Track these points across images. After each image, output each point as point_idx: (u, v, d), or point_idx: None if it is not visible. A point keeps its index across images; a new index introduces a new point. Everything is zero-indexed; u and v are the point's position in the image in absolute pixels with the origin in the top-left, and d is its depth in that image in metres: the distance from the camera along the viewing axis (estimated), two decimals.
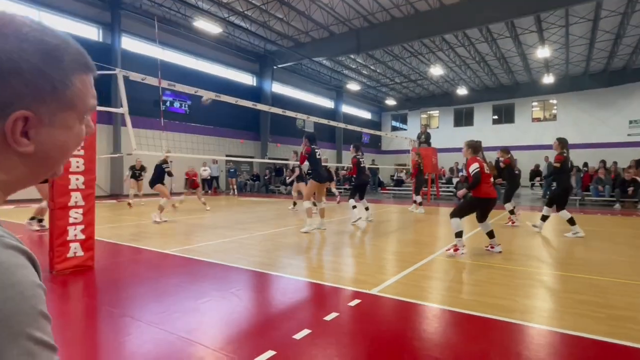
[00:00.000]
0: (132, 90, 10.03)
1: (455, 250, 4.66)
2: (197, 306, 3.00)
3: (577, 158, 18.13)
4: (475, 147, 5.02)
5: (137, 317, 2.80)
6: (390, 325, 2.77)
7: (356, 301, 3.10)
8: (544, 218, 6.68)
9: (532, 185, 18.60)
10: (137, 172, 11.99)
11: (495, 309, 2.92)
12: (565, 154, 6.44)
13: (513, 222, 7.75)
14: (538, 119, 27.06)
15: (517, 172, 9.27)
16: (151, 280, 3.80)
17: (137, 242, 5.63)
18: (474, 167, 4.79)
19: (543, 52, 17.85)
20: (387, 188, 20.81)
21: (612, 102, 23.86)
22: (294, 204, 11.05)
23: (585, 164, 17.29)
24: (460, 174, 17.49)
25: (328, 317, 2.73)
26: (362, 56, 21.02)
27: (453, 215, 4.77)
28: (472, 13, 14.82)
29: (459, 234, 4.69)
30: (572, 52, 20.34)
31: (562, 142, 6.51)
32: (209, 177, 18.58)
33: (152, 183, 8.44)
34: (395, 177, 21.40)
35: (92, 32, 15.76)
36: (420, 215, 9.77)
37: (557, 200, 6.49)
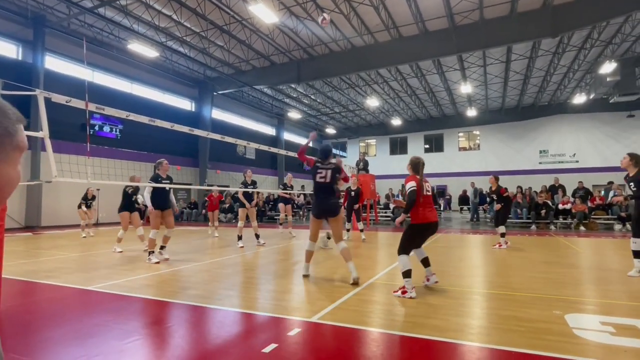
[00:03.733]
0: (56, 113, 9.31)
1: (403, 292, 4.06)
2: (123, 347, 2.73)
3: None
4: (414, 164, 4.43)
5: None
6: (330, 352, 2.73)
7: (296, 330, 3.03)
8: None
9: (462, 209, 19.94)
10: (89, 202, 11.62)
11: (430, 329, 3.02)
12: None
13: (502, 244, 8.03)
14: (464, 148, 29.45)
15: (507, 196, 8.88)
16: (69, 321, 3.41)
17: (55, 278, 5.06)
18: (409, 185, 4.27)
19: (466, 88, 19.69)
20: None
21: (525, 135, 26.80)
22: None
23: (506, 189, 18.95)
24: (395, 199, 18.26)
25: (267, 349, 2.63)
26: (303, 86, 21.59)
27: (399, 252, 4.28)
28: (403, 50, 16.05)
29: (406, 274, 4.10)
30: (490, 89, 22.68)
31: (637, 158, 5.23)
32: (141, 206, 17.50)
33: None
34: None
35: (9, 50, 14.51)
36: (352, 240, 9.97)
37: None
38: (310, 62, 18.26)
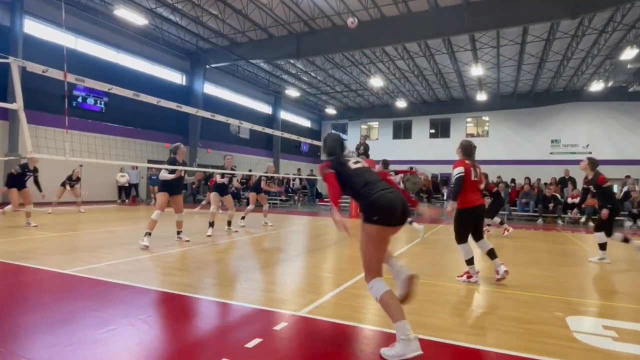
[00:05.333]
0: (37, 82, 9.14)
1: (469, 277, 4.48)
2: (98, 336, 2.73)
3: (505, 174, 19.93)
4: (466, 148, 4.62)
5: (18, 353, 2.47)
6: (317, 349, 2.73)
7: (282, 324, 3.03)
8: (604, 246, 6.15)
9: None
10: (72, 182, 12.54)
11: (424, 328, 3.02)
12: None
13: (507, 230, 9.18)
14: (472, 135, 29.30)
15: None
16: (42, 307, 3.40)
17: (30, 260, 5.05)
18: (457, 171, 4.46)
19: (477, 71, 19.46)
20: (325, 199, 21.10)
21: (537, 122, 26.65)
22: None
23: (513, 180, 18.98)
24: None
25: (250, 344, 2.63)
26: (302, 62, 21.28)
27: (457, 241, 4.58)
28: (412, 27, 15.75)
29: (469, 261, 4.48)
30: (502, 73, 22.43)
31: (594, 162, 6.17)
32: (126, 184, 17.50)
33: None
34: None
35: None
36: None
37: (610, 223, 6.09)
38: (311, 36, 17.92)
